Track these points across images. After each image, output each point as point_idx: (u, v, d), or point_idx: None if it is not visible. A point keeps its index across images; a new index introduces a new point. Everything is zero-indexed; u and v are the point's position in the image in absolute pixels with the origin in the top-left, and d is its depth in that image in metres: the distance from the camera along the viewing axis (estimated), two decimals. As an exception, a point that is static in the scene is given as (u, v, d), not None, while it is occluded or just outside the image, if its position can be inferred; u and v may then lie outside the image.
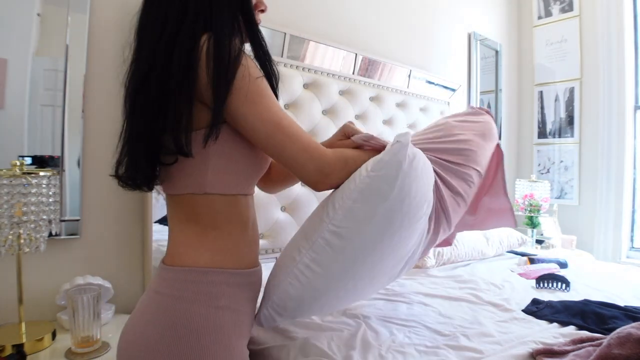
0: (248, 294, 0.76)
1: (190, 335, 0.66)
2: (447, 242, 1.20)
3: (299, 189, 1.62)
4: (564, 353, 0.82)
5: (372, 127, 1.90)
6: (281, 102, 1.58)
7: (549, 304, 1.18)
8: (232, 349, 0.70)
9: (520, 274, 1.59)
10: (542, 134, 3.01)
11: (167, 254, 0.75)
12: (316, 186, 0.74)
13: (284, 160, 0.71)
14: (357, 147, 0.82)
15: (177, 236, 0.73)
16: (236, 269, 0.73)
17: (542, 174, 2.99)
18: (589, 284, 1.45)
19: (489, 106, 2.86)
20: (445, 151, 0.93)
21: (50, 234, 1.11)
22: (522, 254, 1.99)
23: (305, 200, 1.64)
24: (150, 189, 0.76)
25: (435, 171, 0.87)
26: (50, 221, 1.04)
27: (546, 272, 1.52)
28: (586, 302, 1.17)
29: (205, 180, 0.70)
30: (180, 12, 0.68)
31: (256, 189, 0.88)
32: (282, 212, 1.59)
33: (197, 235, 0.71)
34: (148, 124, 0.68)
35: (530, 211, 2.42)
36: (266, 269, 1.44)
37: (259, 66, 0.75)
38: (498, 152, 1.10)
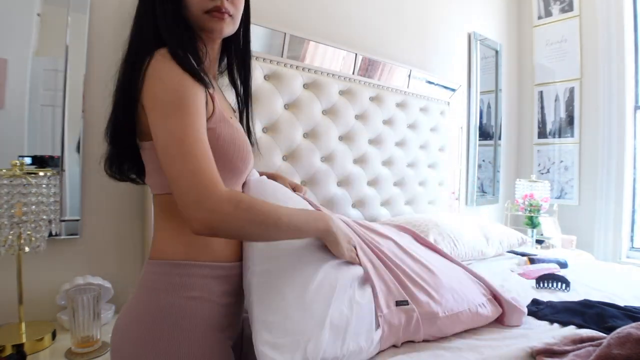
0: (225, 287, 0.78)
1: (162, 323, 0.70)
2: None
3: (299, 189, 1.63)
4: (564, 353, 0.82)
5: (372, 127, 1.91)
6: (281, 103, 1.58)
7: (549, 304, 1.18)
8: (206, 339, 0.73)
9: (520, 274, 1.59)
10: (542, 134, 3.01)
11: (151, 249, 0.78)
12: (191, 222, 0.62)
13: (169, 179, 0.64)
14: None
15: (158, 232, 0.77)
16: (211, 262, 0.76)
17: (542, 174, 2.99)
18: (589, 284, 1.45)
19: (489, 106, 2.86)
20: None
21: (50, 234, 1.11)
22: (522, 254, 1.99)
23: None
24: (137, 182, 0.83)
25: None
26: (50, 221, 1.04)
27: (546, 272, 1.52)
28: (586, 302, 1.17)
29: None
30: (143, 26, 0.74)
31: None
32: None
33: (174, 230, 0.75)
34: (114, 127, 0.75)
35: (530, 211, 2.42)
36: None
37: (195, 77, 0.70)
38: None
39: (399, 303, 0.87)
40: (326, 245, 0.84)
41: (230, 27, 0.78)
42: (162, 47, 0.69)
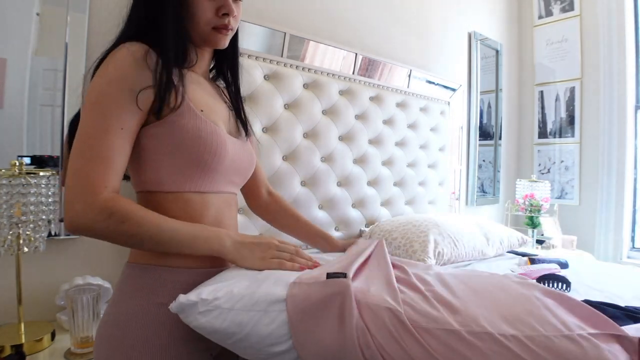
0: None
1: (128, 330, 0.69)
2: None
3: (296, 193, 1.62)
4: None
5: (373, 127, 1.90)
6: (281, 102, 1.58)
7: (550, 305, 1.17)
8: (176, 348, 0.70)
9: (521, 274, 1.59)
10: (542, 133, 3.01)
11: (130, 251, 0.78)
12: (64, 217, 0.64)
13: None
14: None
15: None
16: (184, 268, 0.74)
17: (543, 174, 2.98)
18: (589, 284, 1.44)
19: (489, 106, 2.86)
20: None
21: (50, 234, 1.11)
22: (523, 254, 1.98)
23: (304, 201, 1.64)
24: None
25: None
26: (49, 221, 1.04)
27: (547, 272, 1.52)
28: (587, 302, 1.16)
29: (145, 178, 0.74)
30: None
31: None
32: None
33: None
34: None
35: (530, 211, 2.41)
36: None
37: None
38: None
39: (330, 275, 0.70)
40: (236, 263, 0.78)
41: (229, 40, 0.83)
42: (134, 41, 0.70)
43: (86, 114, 0.66)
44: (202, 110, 0.76)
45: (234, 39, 0.89)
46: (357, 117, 1.86)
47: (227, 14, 0.76)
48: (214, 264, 0.79)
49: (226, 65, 0.92)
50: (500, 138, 2.93)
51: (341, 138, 1.79)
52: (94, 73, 0.71)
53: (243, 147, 0.87)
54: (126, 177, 0.84)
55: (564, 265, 1.74)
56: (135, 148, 0.71)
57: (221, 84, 0.95)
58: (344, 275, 0.70)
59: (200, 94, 0.80)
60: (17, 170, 0.99)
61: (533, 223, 2.41)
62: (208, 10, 0.75)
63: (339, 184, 1.78)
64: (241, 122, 0.91)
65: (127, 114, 0.67)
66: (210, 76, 0.94)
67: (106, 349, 0.71)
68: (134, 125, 0.69)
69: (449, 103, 2.39)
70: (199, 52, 0.81)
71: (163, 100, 0.70)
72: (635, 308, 1.14)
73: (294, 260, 0.80)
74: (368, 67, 1.92)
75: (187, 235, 0.70)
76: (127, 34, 0.75)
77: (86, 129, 0.65)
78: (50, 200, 1.04)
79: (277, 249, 0.80)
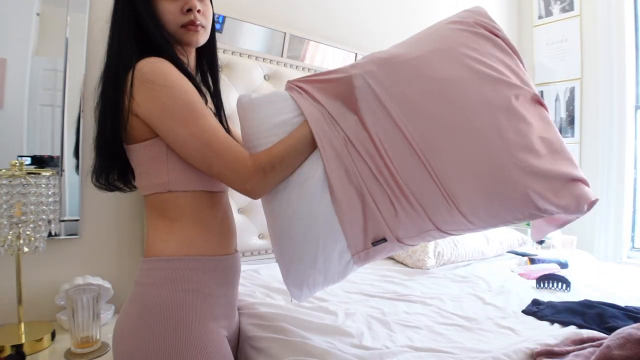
0: (219, 278, 0.81)
1: (159, 317, 0.73)
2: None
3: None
4: (564, 354, 0.82)
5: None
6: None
7: (550, 304, 1.17)
8: (202, 328, 0.75)
9: (521, 274, 1.59)
10: (542, 133, 3.01)
11: (145, 248, 0.82)
12: (247, 196, 0.77)
13: (214, 177, 0.77)
14: None
15: (151, 231, 0.80)
16: (203, 255, 0.79)
17: (543, 174, 2.98)
18: (589, 284, 1.45)
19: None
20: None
21: (50, 234, 1.11)
22: (523, 254, 1.98)
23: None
24: (124, 190, 0.88)
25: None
26: (49, 221, 1.04)
27: (546, 272, 1.52)
28: (587, 303, 1.16)
29: (168, 179, 0.78)
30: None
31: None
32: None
33: (166, 228, 0.78)
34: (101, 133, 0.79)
35: (530, 211, 2.41)
36: (266, 268, 1.45)
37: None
38: None
39: (375, 243, 0.76)
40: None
41: (203, 37, 0.85)
42: (145, 56, 0.74)
43: (189, 126, 0.72)
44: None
45: (211, 43, 0.92)
46: (357, 117, 1.85)
47: (190, 10, 0.79)
48: (229, 251, 0.85)
49: (207, 68, 0.95)
50: (500, 138, 2.93)
51: (341, 138, 1.79)
52: (109, 91, 0.76)
53: None
54: (122, 190, 0.88)
55: (564, 265, 1.74)
56: (157, 152, 0.76)
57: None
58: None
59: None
60: (17, 170, 0.99)
61: (533, 223, 2.41)
62: (174, 11, 0.79)
63: (339, 184, 1.78)
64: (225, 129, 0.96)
65: (209, 110, 0.77)
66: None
67: (134, 339, 0.73)
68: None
69: (449, 103, 2.39)
70: (187, 55, 0.85)
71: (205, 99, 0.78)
72: (635, 308, 1.14)
73: None
74: (368, 67, 1.92)
75: (299, 138, 0.77)
76: (129, 49, 0.77)
77: (204, 138, 0.72)
78: (50, 200, 1.04)
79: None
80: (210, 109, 0.95)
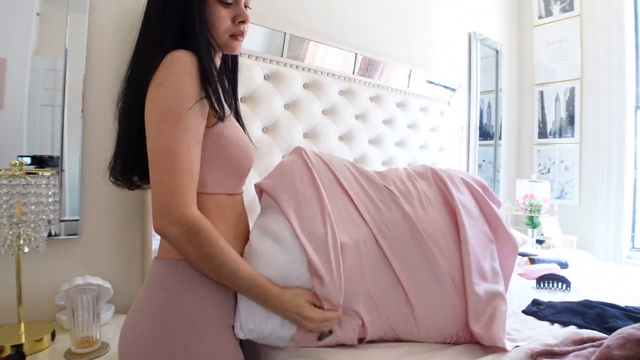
0: None
1: (178, 321, 0.72)
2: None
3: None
4: (564, 354, 0.82)
5: (372, 127, 1.90)
6: (281, 102, 1.58)
7: (550, 305, 1.17)
8: (220, 335, 0.75)
9: (521, 274, 1.59)
10: (542, 133, 3.01)
11: (158, 249, 0.81)
12: (154, 225, 0.70)
13: (150, 182, 0.71)
14: None
15: None
16: None
17: (543, 174, 2.98)
18: (589, 284, 1.45)
19: (489, 106, 2.86)
20: None
21: (50, 234, 1.11)
22: (523, 254, 1.98)
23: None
24: (144, 188, 0.88)
25: None
26: (49, 221, 1.04)
27: (547, 272, 1.52)
28: (587, 303, 1.16)
29: None
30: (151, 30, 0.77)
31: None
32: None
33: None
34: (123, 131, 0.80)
35: (530, 211, 2.41)
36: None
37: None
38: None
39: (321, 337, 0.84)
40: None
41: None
42: (174, 50, 0.72)
43: (162, 126, 0.69)
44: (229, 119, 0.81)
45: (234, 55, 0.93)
46: (357, 117, 1.86)
47: (243, 22, 0.81)
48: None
49: (230, 68, 0.95)
50: (500, 138, 2.93)
51: (341, 138, 1.79)
52: (141, 82, 0.74)
53: None
54: (140, 187, 0.87)
55: (564, 265, 1.74)
56: None
57: None
58: None
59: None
60: (17, 170, 0.99)
61: (533, 223, 2.41)
62: (226, 18, 0.79)
63: (339, 184, 1.78)
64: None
65: (200, 126, 0.72)
66: None
67: (152, 341, 0.71)
68: (201, 135, 0.73)
69: (448, 103, 2.39)
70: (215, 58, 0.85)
71: (222, 107, 0.75)
72: (635, 308, 1.14)
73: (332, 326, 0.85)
74: (368, 67, 1.92)
75: (246, 287, 0.75)
76: (157, 42, 0.75)
77: (167, 141, 0.68)
78: (50, 200, 1.04)
79: (322, 321, 0.82)
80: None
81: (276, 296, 0.77)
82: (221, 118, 0.75)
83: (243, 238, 0.86)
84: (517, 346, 0.84)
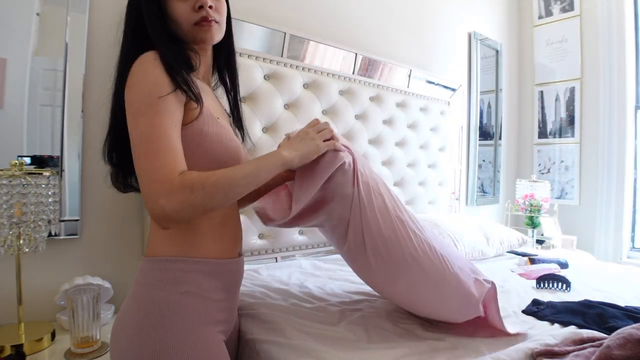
0: (217, 283, 0.80)
1: (153, 318, 0.72)
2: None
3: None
4: (564, 354, 0.82)
5: (372, 127, 1.90)
6: (281, 102, 1.58)
7: (550, 305, 1.17)
8: (197, 332, 0.74)
9: (521, 274, 1.59)
10: (542, 133, 3.01)
11: (146, 247, 0.81)
12: (153, 218, 0.68)
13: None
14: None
15: (153, 231, 0.80)
16: (202, 258, 0.78)
17: (543, 174, 2.98)
18: (589, 284, 1.45)
19: (489, 106, 2.86)
20: None
21: (50, 234, 1.11)
22: (523, 254, 1.98)
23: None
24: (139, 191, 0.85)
25: None
26: (49, 221, 1.04)
27: (547, 272, 1.52)
28: (587, 303, 1.16)
29: None
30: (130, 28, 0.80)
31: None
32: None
33: (168, 229, 0.76)
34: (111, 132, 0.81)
35: (530, 211, 2.41)
36: (266, 268, 1.45)
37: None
38: None
39: None
40: (303, 166, 0.85)
41: (219, 34, 0.83)
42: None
43: (138, 120, 0.68)
44: (218, 118, 0.80)
45: (229, 40, 0.91)
46: (357, 117, 1.86)
47: (202, 7, 0.79)
48: (231, 254, 0.84)
49: (224, 65, 0.94)
50: (500, 138, 2.93)
51: (341, 138, 1.79)
52: (116, 87, 0.78)
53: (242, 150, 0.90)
54: (138, 190, 0.86)
55: (564, 265, 1.74)
56: None
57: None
58: None
59: (208, 100, 0.82)
60: (17, 170, 0.99)
61: (533, 223, 2.41)
62: (185, 10, 0.79)
63: (339, 184, 1.78)
64: (239, 128, 0.96)
65: (176, 112, 0.71)
66: (213, 84, 0.96)
67: (128, 337, 0.73)
68: (180, 122, 0.72)
69: (449, 103, 2.39)
70: (200, 56, 0.84)
71: (193, 92, 0.73)
72: (635, 308, 1.14)
73: (333, 137, 0.88)
74: (368, 67, 1.92)
75: (252, 166, 0.75)
76: (128, 47, 0.79)
77: (143, 130, 0.67)
78: (50, 200, 1.04)
79: (317, 131, 0.87)
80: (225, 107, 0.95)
81: (282, 149, 0.81)
82: (198, 100, 0.74)
83: (232, 239, 0.85)
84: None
